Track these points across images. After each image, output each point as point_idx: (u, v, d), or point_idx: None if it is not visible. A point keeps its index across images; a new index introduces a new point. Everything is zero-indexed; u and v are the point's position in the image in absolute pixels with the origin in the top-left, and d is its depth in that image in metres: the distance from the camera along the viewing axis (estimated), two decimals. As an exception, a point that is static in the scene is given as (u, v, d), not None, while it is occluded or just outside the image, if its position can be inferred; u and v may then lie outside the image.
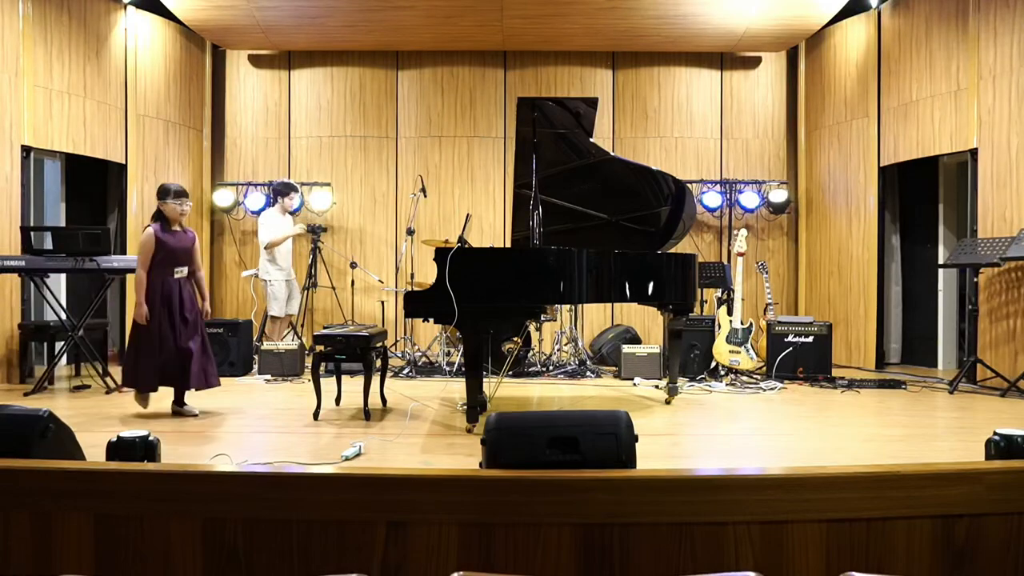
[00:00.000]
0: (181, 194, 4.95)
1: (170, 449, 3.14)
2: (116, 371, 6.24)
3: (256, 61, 8.59)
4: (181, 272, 4.93)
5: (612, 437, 2.20)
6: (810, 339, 6.37)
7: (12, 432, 2.27)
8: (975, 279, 6.12)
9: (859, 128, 7.61)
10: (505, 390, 5.85)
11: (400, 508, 2.00)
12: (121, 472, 2.09)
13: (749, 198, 8.22)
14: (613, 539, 1.97)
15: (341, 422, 4.67)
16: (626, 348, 6.72)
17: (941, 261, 7.11)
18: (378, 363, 5.04)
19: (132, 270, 5.77)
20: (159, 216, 4.89)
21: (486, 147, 8.52)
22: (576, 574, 1.98)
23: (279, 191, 7.43)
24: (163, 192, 4.91)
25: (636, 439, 2.24)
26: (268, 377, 6.55)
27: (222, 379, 6.43)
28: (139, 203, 7.51)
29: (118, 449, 2.35)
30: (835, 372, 6.45)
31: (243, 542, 1.99)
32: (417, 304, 4.45)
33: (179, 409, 4.93)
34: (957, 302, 7.26)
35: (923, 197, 7.54)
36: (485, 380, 4.77)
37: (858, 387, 6.03)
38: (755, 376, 6.45)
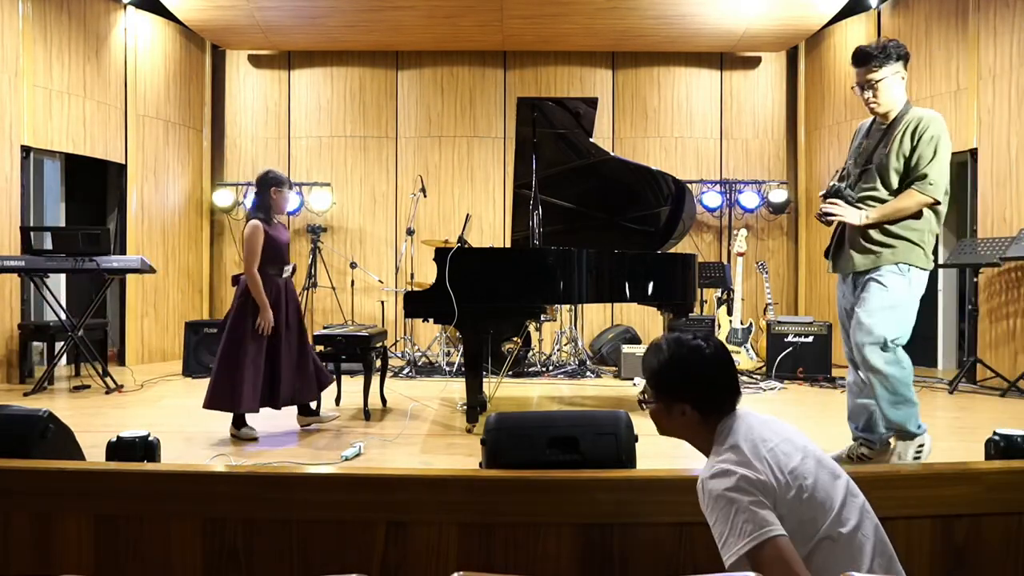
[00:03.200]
0: (289, 183, 4.26)
1: (170, 449, 3.14)
2: (116, 371, 6.25)
3: (256, 61, 8.58)
4: (288, 271, 4.31)
5: (612, 437, 2.20)
6: (810, 339, 6.37)
7: (12, 432, 2.27)
8: (975, 279, 6.11)
9: (859, 128, 7.61)
10: (505, 390, 5.85)
11: (400, 508, 1.99)
12: (121, 472, 2.09)
13: (749, 198, 8.21)
14: (613, 539, 1.97)
15: (341, 422, 4.67)
16: (626, 348, 6.71)
17: (941, 261, 7.10)
18: (378, 363, 5.04)
19: (132, 270, 5.77)
20: (262, 208, 4.16)
21: (486, 147, 8.52)
22: (576, 574, 1.97)
23: None
24: (274, 180, 4.16)
25: (636, 439, 2.24)
26: (268, 377, 6.54)
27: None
28: (139, 203, 7.51)
29: (118, 449, 2.35)
30: (835, 372, 6.44)
31: (243, 542, 1.99)
32: (417, 304, 4.44)
33: (307, 421, 4.44)
34: (957, 302, 7.26)
35: (923, 197, 7.53)
36: (485, 380, 4.77)
37: (858, 387, 6.02)
38: (755, 376, 6.45)
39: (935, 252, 7.03)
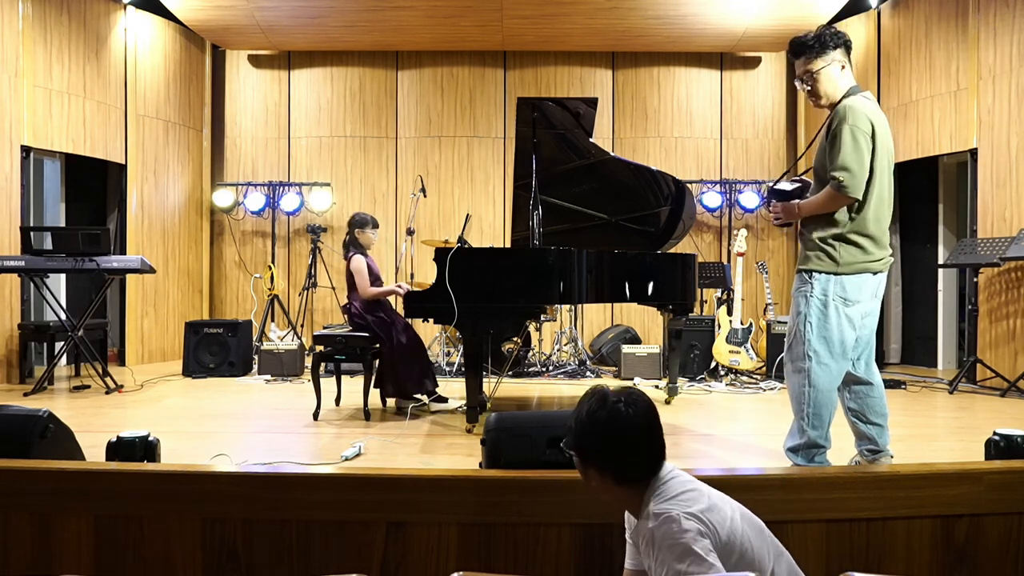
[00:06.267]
0: (376, 225, 5.17)
1: (170, 449, 3.14)
2: (116, 371, 6.25)
3: (256, 61, 8.58)
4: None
5: (612, 437, 2.20)
6: (810, 339, 6.35)
7: (12, 432, 2.27)
8: (975, 279, 6.11)
9: (859, 128, 7.60)
10: (505, 390, 5.85)
11: (400, 508, 2.00)
12: (121, 472, 2.09)
13: (749, 198, 8.21)
14: (613, 539, 1.97)
15: (341, 422, 4.66)
16: (626, 348, 6.71)
17: (941, 261, 7.11)
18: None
19: (132, 270, 5.78)
20: (356, 244, 5.03)
21: (486, 147, 8.52)
22: (576, 574, 1.98)
23: None
24: (361, 222, 5.05)
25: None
26: (268, 377, 6.55)
27: (221, 379, 6.49)
28: (139, 203, 7.51)
29: (118, 449, 2.35)
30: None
31: (242, 542, 1.99)
32: (417, 304, 4.44)
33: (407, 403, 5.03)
34: (957, 302, 7.26)
35: (923, 197, 7.54)
36: (485, 380, 4.77)
37: (858, 387, 6.02)
38: (755, 376, 6.45)
39: (935, 252, 6.78)
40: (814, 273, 2.97)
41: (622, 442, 1.58)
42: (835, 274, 2.93)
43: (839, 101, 3.00)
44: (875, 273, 2.98)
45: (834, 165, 2.91)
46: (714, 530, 1.50)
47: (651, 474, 1.61)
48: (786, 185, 3.19)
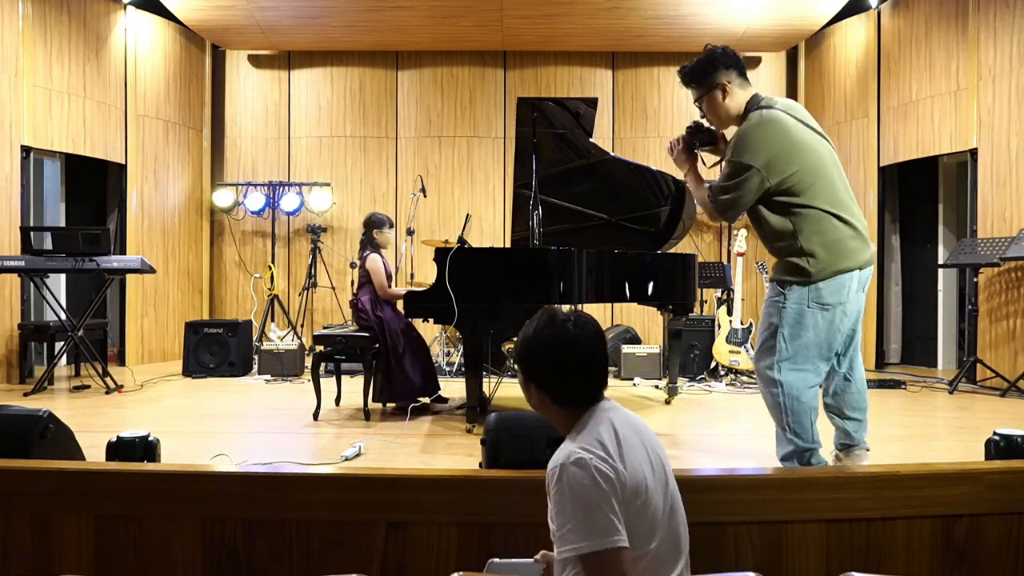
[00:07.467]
0: (392, 225, 5.29)
1: (170, 449, 3.14)
2: (116, 371, 6.25)
3: (256, 61, 8.58)
4: None
5: (612, 437, 2.20)
6: (810, 339, 6.34)
7: (12, 432, 2.27)
8: (975, 279, 6.11)
9: (859, 128, 7.61)
10: (505, 390, 5.85)
11: (400, 508, 2.00)
12: (121, 472, 2.09)
13: (749, 198, 8.19)
14: (613, 539, 1.97)
15: (341, 422, 4.66)
16: (626, 348, 6.71)
17: (941, 261, 7.10)
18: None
19: (132, 270, 5.78)
20: (372, 244, 5.08)
21: (486, 147, 8.52)
22: (576, 574, 1.97)
23: None
24: (379, 223, 5.10)
25: (636, 439, 2.24)
26: (268, 377, 6.55)
27: (221, 379, 6.49)
28: (139, 203, 7.51)
29: (118, 449, 2.35)
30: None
31: (242, 542, 1.99)
32: (417, 304, 4.44)
33: (433, 404, 5.19)
34: (957, 302, 7.26)
35: (923, 197, 7.54)
36: (485, 380, 4.77)
37: (858, 387, 6.02)
38: (755, 376, 6.43)
39: (935, 252, 6.74)
40: (787, 284, 2.83)
41: (563, 362, 1.59)
42: (810, 283, 2.77)
43: (743, 118, 2.90)
44: (858, 269, 2.82)
45: (718, 186, 2.88)
46: (620, 478, 1.48)
47: (589, 402, 1.60)
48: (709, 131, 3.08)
